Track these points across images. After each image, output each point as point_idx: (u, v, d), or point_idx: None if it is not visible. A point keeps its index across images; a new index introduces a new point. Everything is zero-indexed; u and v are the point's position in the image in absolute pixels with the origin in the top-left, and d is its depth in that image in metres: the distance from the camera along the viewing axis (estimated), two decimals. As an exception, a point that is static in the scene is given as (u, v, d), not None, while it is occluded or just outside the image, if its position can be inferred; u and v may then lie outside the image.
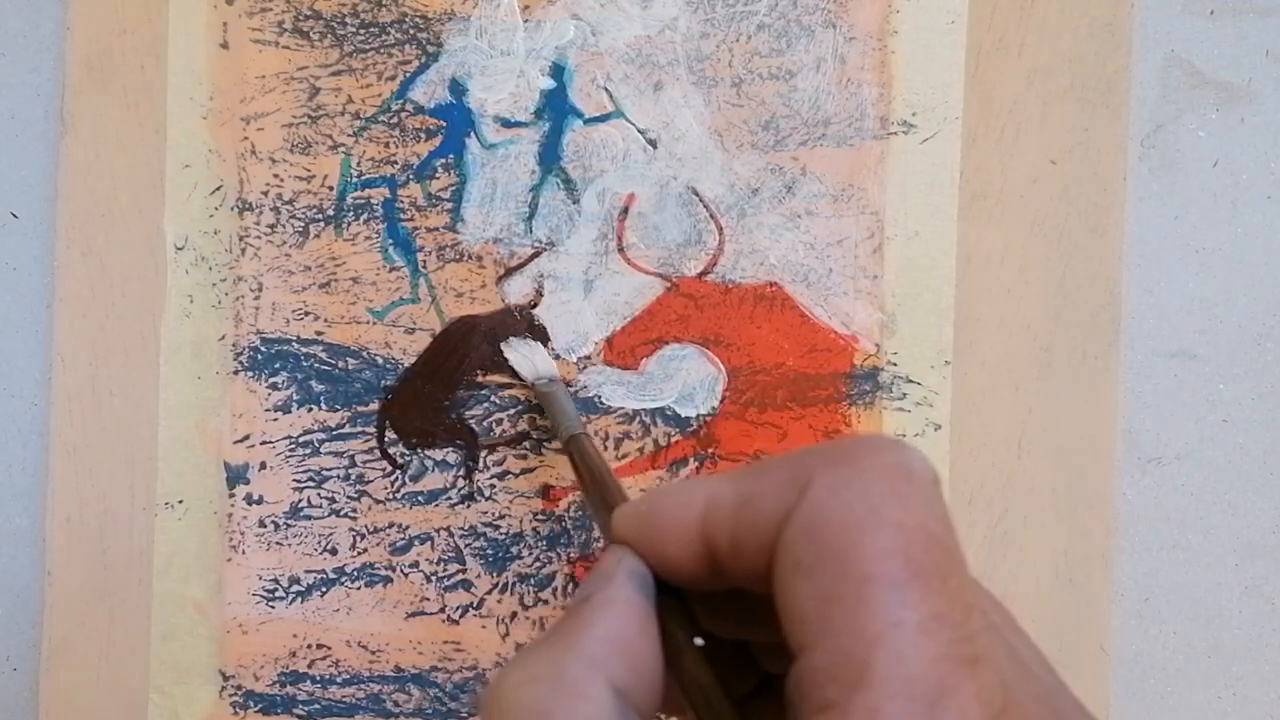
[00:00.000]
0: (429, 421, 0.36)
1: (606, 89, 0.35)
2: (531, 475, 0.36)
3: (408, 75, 0.35)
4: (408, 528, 0.36)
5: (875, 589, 0.15)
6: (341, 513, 0.36)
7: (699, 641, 0.19)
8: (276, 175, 0.35)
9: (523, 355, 0.35)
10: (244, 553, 0.35)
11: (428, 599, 0.36)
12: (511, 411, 0.36)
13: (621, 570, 0.19)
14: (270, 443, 0.36)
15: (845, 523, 0.16)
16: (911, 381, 0.35)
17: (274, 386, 0.36)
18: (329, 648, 0.36)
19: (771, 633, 0.20)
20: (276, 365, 0.36)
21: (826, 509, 0.17)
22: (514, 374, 0.35)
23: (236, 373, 0.35)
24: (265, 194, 0.35)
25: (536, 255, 0.36)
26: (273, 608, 0.36)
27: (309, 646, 0.36)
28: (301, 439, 0.36)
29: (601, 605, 0.18)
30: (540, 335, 0.35)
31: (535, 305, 0.35)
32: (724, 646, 0.21)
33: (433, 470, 0.36)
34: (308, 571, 0.36)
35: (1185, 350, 0.36)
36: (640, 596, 0.19)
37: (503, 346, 0.35)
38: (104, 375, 0.36)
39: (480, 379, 0.35)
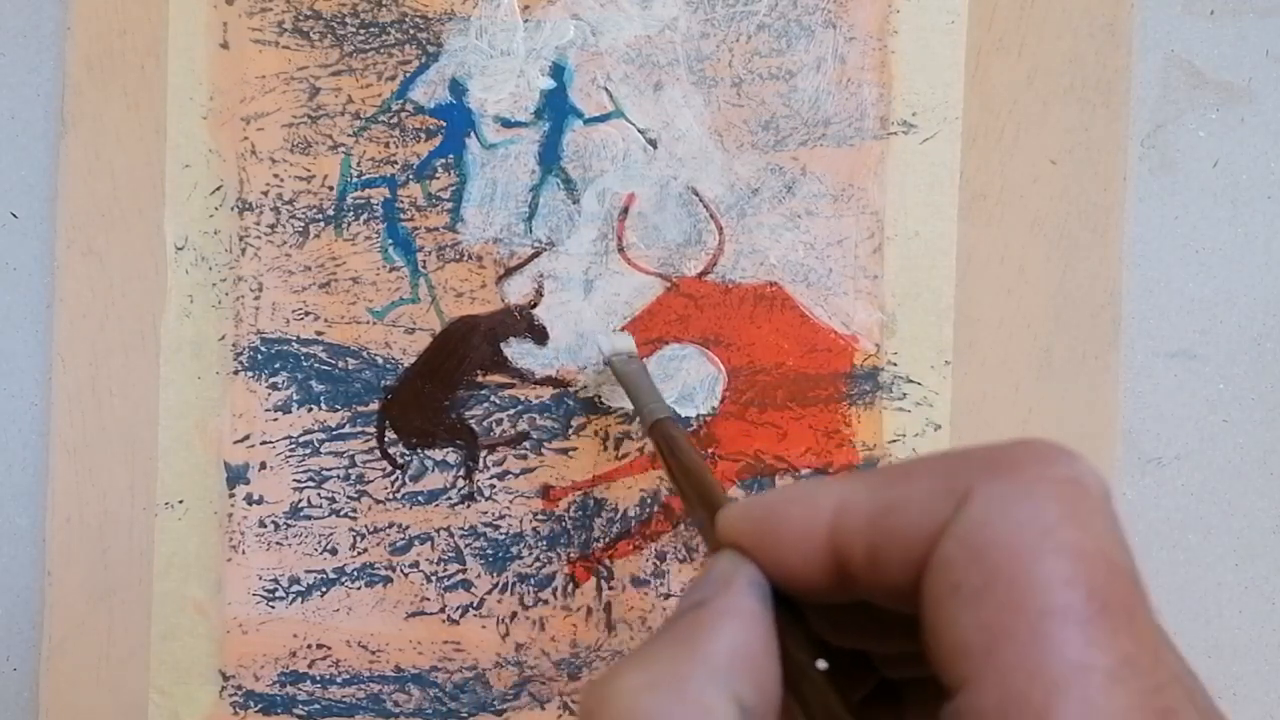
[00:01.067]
0: (429, 421, 0.36)
1: (606, 89, 0.35)
2: (531, 475, 0.36)
3: (408, 75, 0.35)
4: (408, 528, 0.36)
5: (1057, 625, 0.14)
6: (341, 513, 0.36)
7: (822, 665, 0.17)
8: (276, 175, 0.35)
9: (605, 334, 0.35)
10: (244, 553, 0.35)
11: (428, 599, 0.36)
12: (511, 411, 0.36)
13: (741, 577, 0.17)
14: (270, 443, 0.36)
15: (1016, 544, 0.14)
16: (911, 381, 0.35)
17: (274, 386, 0.36)
18: (329, 648, 0.36)
19: (898, 645, 0.18)
20: (276, 365, 0.36)
21: (993, 527, 0.15)
22: (523, 375, 0.35)
23: (236, 373, 0.35)
24: (265, 194, 0.35)
25: (536, 255, 0.36)
26: (273, 608, 0.36)
27: (309, 646, 0.36)
28: (301, 439, 0.36)
29: (724, 614, 0.17)
30: (540, 335, 0.35)
31: (535, 305, 0.35)
32: (840, 651, 0.19)
33: (433, 470, 0.36)
34: (308, 571, 0.36)
35: (1185, 350, 0.36)
36: (763, 608, 0.17)
37: (598, 338, 0.35)
38: (104, 375, 0.36)
39: (480, 379, 0.35)
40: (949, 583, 0.15)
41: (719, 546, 0.19)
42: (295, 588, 0.36)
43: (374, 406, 0.36)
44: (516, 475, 0.35)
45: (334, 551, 0.36)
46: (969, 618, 0.14)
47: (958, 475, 0.15)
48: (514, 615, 0.36)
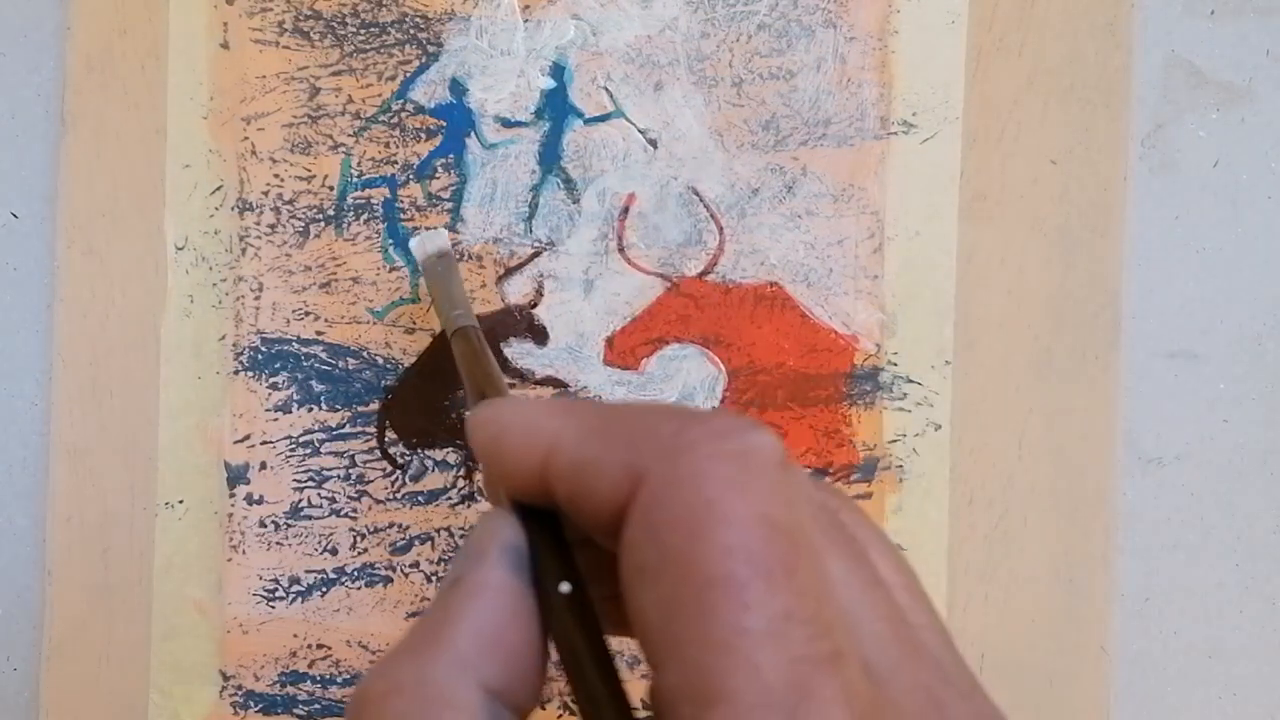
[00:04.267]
0: (429, 421, 0.36)
1: (607, 89, 0.35)
2: (532, 475, 0.35)
3: (408, 75, 0.35)
4: (408, 528, 0.36)
5: (718, 593, 0.14)
6: (342, 513, 0.36)
7: (565, 588, 0.17)
8: (277, 175, 0.35)
9: (419, 239, 0.34)
10: (244, 553, 0.35)
11: (428, 599, 0.36)
12: (512, 411, 0.35)
13: (494, 547, 0.17)
14: (270, 443, 0.36)
15: (684, 522, 0.15)
16: (912, 381, 0.35)
17: (274, 386, 0.36)
18: (329, 648, 0.36)
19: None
20: (277, 365, 0.36)
21: (664, 508, 0.15)
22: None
23: (237, 373, 0.35)
24: (265, 194, 0.35)
25: (536, 255, 0.36)
26: (273, 608, 0.36)
27: (309, 646, 0.36)
28: (302, 439, 0.36)
29: (470, 594, 0.17)
30: (540, 335, 0.35)
31: (535, 305, 0.35)
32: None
33: (433, 470, 0.36)
34: (308, 571, 0.36)
35: (1185, 350, 0.36)
36: (513, 576, 0.17)
37: (410, 241, 0.34)
38: (104, 375, 0.36)
39: (480, 379, 0.35)
40: (634, 565, 0.15)
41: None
42: (295, 588, 0.36)
43: (374, 406, 0.36)
44: (517, 475, 0.35)
45: (334, 551, 0.36)
46: (649, 597, 0.15)
47: (639, 451, 0.16)
48: (514, 615, 0.36)
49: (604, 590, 0.17)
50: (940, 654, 0.17)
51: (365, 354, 0.36)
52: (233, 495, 0.35)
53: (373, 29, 0.35)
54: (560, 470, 0.17)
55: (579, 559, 0.18)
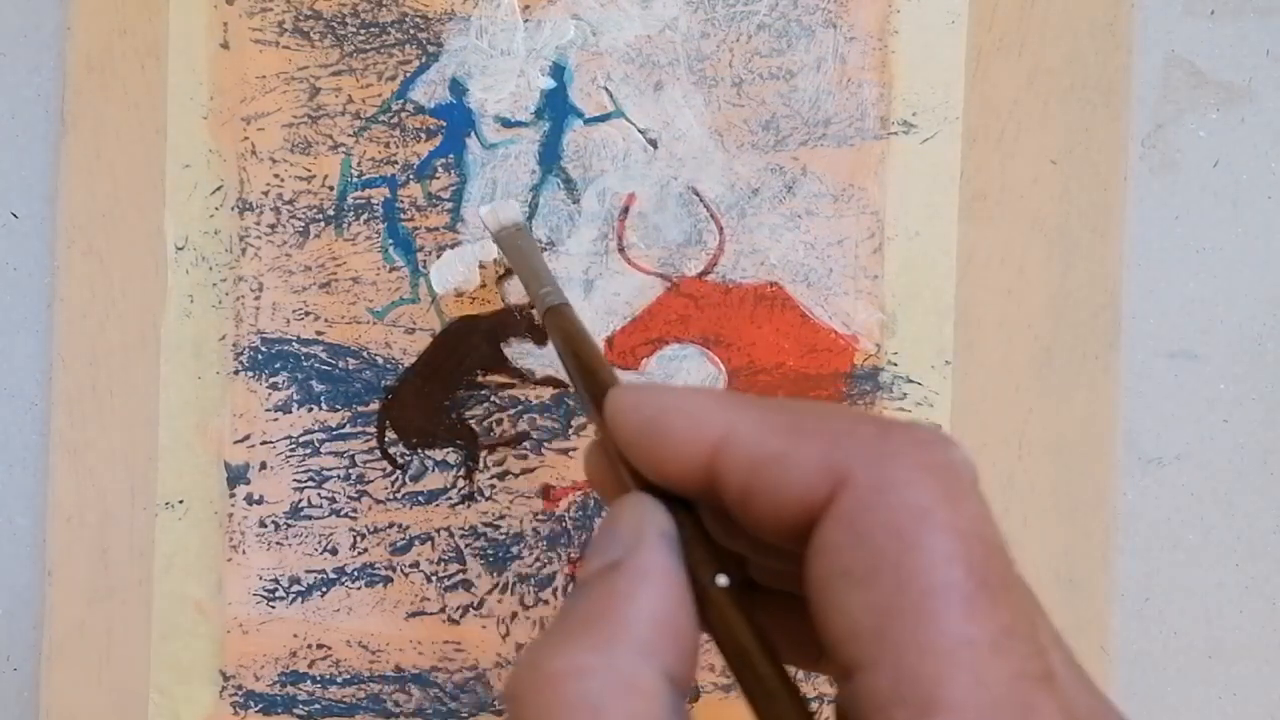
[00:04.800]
0: (429, 421, 0.36)
1: (607, 89, 0.35)
2: (531, 475, 0.36)
3: (408, 75, 0.35)
4: (408, 528, 0.36)
5: (941, 602, 0.14)
6: (342, 513, 0.36)
7: (723, 580, 0.17)
8: (277, 175, 0.35)
9: (491, 209, 0.32)
10: (244, 553, 0.35)
11: (428, 599, 0.36)
12: (511, 411, 0.36)
13: (651, 530, 0.17)
14: (270, 443, 0.36)
15: (898, 528, 0.15)
16: (912, 381, 0.35)
17: (274, 386, 0.36)
18: (329, 648, 0.36)
19: (773, 561, 0.19)
20: (277, 365, 0.36)
21: (875, 512, 0.15)
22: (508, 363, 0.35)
23: (237, 373, 0.35)
24: (265, 194, 0.35)
25: (537, 255, 0.35)
26: (273, 608, 0.36)
27: (309, 646, 0.36)
28: (302, 439, 0.36)
29: (638, 579, 0.17)
30: (540, 335, 0.35)
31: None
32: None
33: (433, 470, 0.36)
34: (308, 571, 0.36)
35: (1185, 350, 0.36)
36: (676, 563, 0.17)
37: (480, 210, 0.33)
38: (104, 375, 0.36)
39: (480, 379, 0.35)
40: (836, 568, 0.15)
41: (609, 437, 0.19)
42: (295, 588, 0.36)
43: (374, 406, 0.36)
44: (517, 475, 0.35)
45: (334, 551, 0.36)
46: (858, 601, 0.15)
47: (839, 453, 0.16)
48: (514, 615, 0.36)
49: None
50: (1100, 697, 0.17)
51: (365, 354, 0.36)
52: (233, 495, 0.35)
53: (373, 29, 0.35)
54: (736, 462, 0.17)
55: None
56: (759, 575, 0.20)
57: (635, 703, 0.15)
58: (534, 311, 0.29)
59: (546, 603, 0.36)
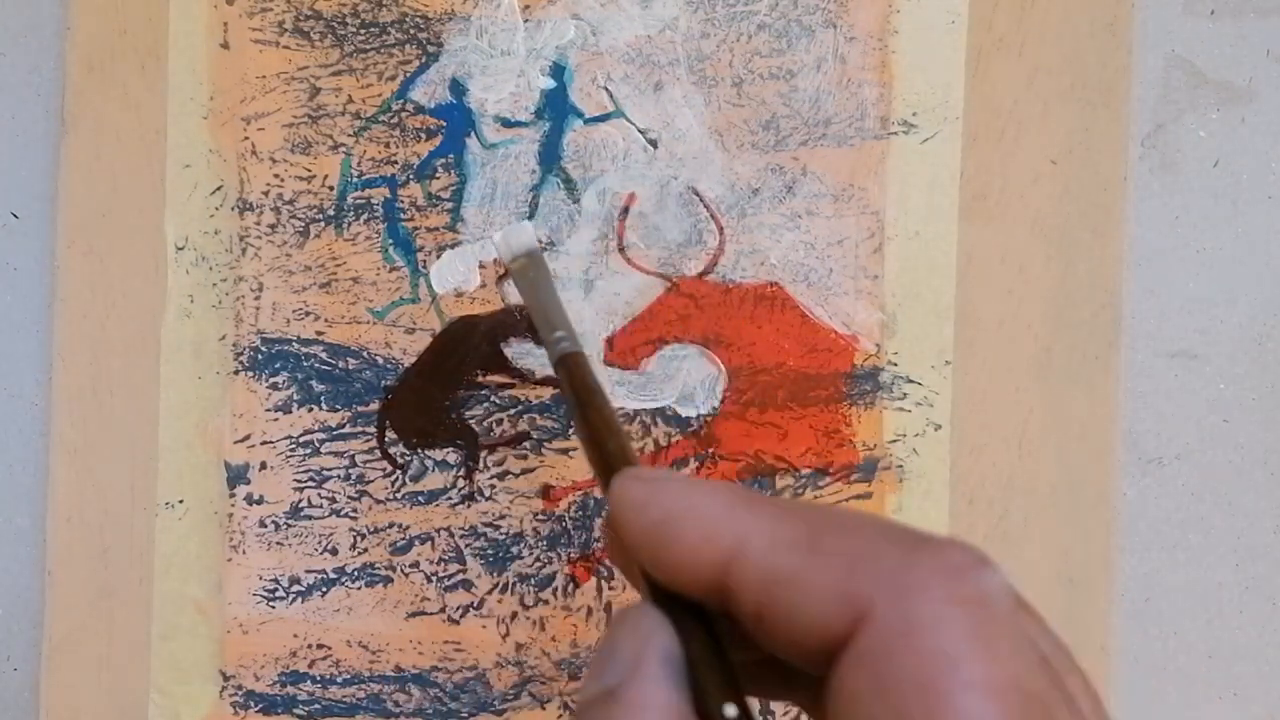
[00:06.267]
0: (429, 421, 0.36)
1: (607, 89, 0.35)
2: (531, 475, 0.35)
3: (408, 75, 0.35)
4: (408, 528, 0.36)
5: None
6: (342, 513, 0.36)
7: (731, 711, 0.16)
8: (277, 175, 0.35)
9: (503, 235, 0.29)
10: (244, 553, 0.35)
11: (428, 599, 0.36)
12: (511, 411, 0.35)
13: (653, 656, 0.16)
14: (271, 443, 0.36)
15: (924, 683, 0.14)
16: (912, 381, 0.35)
17: (274, 386, 0.36)
18: (329, 648, 0.36)
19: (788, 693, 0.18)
20: (277, 365, 0.36)
21: (896, 660, 0.14)
22: (513, 372, 0.35)
23: (237, 373, 0.35)
24: (266, 194, 0.35)
25: (537, 255, 0.35)
26: (273, 608, 0.36)
27: (309, 646, 0.36)
28: (302, 439, 0.36)
29: (638, 713, 0.16)
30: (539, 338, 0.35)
31: (535, 305, 0.35)
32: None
33: (433, 470, 0.36)
34: (308, 571, 0.36)
35: (1186, 350, 0.36)
36: (675, 693, 0.16)
37: (494, 237, 0.31)
38: (104, 375, 0.36)
39: (480, 379, 0.35)
40: (858, 715, 0.14)
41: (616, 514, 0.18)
42: (295, 588, 0.36)
43: (374, 406, 0.36)
44: (517, 475, 0.35)
45: (334, 551, 0.36)
46: None
47: (859, 581, 0.15)
48: (514, 615, 0.36)
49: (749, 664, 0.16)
50: None
51: (365, 354, 0.36)
52: (233, 495, 0.35)
53: (373, 29, 0.35)
54: (748, 581, 0.16)
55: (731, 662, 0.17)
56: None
57: None
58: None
59: (546, 602, 0.36)
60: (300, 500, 0.36)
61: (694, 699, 0.16)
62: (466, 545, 0.36)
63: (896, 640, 0.14)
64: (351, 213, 0.35)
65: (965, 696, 0.13)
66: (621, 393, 0.35)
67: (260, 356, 0.36)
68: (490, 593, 0.36)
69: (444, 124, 0.35)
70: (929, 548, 0.15)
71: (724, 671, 0.16)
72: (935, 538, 0.15)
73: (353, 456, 0.36)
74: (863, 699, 0.14)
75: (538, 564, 0.35)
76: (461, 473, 0.36)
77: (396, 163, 0.35)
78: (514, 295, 0.35)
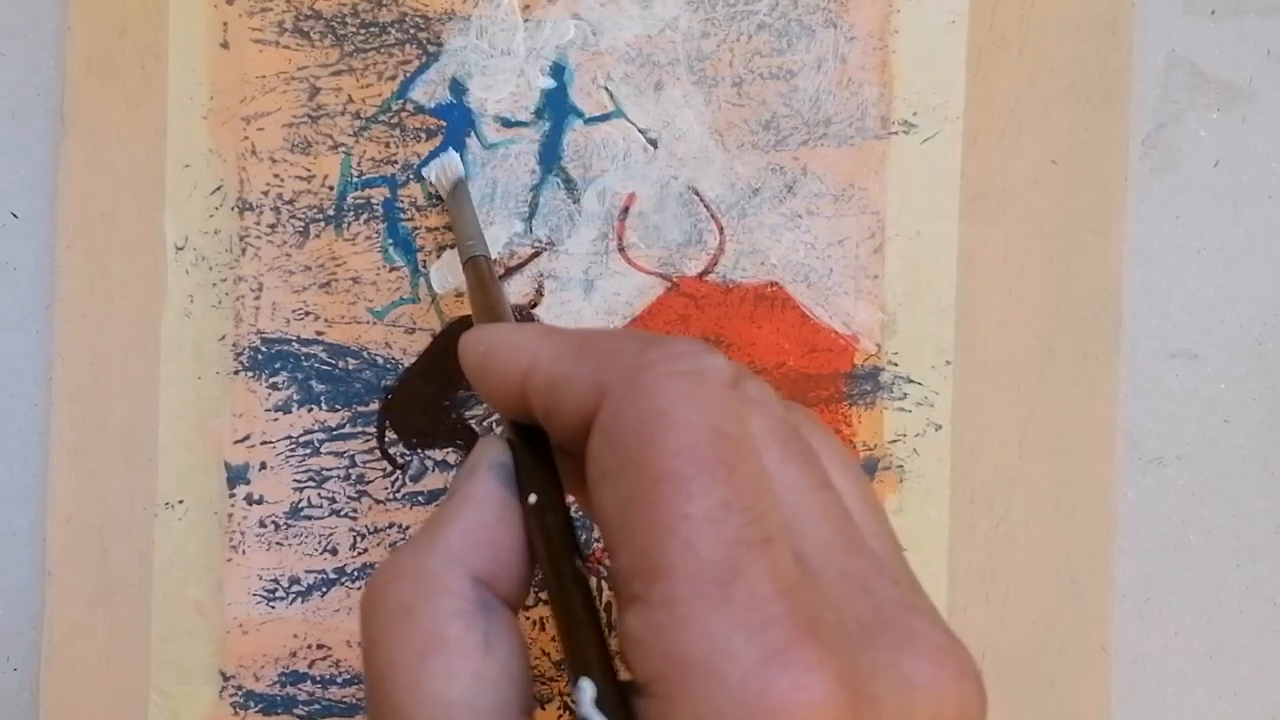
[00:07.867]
0: (429, 421, 0.36)
1: (607, 89, 0.35)
2: (532, 475, 0.35)
3: (408, 75, 0.35)
4: (408, 528, 0.36)
5: (664, 487, 0.16)
6: (342, 513, 0.36)
7: (532, 499, 0.19)
8: (277, 175, 0.35)
9: (436, 165, 0.35)
10: (244, 553, 0.35)
11: (428, 599, 0.36)
12: (512, 411, 0.35)
13: (484, 463, 0.20)
14: (270, 443, 0.36)
15: (638, 428, 0.17)
16: (912, 381, 0.35)
17: (274, 386, 0.36)
18: (329, 648, 0.36)
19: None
20: (277, 365, 0.36)
21: (621, 418, 0.17)
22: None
23: (237, 373, 0.35)
24: (265, 194, 0.35)
25: (536, 255, 0.36)
26: (273, 608, 0.36)
27: (309, 647, 0.36)
28: (302, 439, 0.36)
29: (462, 500, 0.19)
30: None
31: (535, 305, 0.35)
32: None
33: (433, 470, 0.36)
34: (308, 571, 0.36)
35: (1186, 350, 0.36)
36: (501, 487, 0.20)
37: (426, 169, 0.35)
38: (104, 375, 0.36)
39: (480, 379, 0.35)
40: (596, 472, 0.18)
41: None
42: (295, 588, 0.36)
43: (374, 406, 0.36)
44: (517, 475, 0.35)
45: (334, 551, 0.36)
46: (609, 496, 0.17)
47: (604, 369, 0.18)
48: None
49: (584, 496, 0.20)
50: (880, 552, 0.19)
51: (365, 354, 0.36)
52: (233, 495, 0.35)
53: (373, 29, 0.35)
54: (537, 386, 0.19)
55: (563, 470, 0.20)
56: None
57: (440, 599, 0.18)
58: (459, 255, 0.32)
59: (546, 602, 0.36)
60: (300, 500, 0.36)
61: (518, 499, 0.20)
62: (466, 545, 0.35)
63: (623, 404, 0.17)
64: (351, 213, 0.35)
65: (665, 434, 0.17)
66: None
67: (260, 356, 0.35)
68: (490, 593, 0.35)
69: (444, 124, 0.35)
70: (660, 341, 0.18)
71: (540, 473, 0.20)
72: (671, 337, 0.19)
73: (353, 456, 0.36)
74: (599, 454, 0.17)
75: (537, 564, 0.35)
76: (461, 473, 0.36)
77: (396, 162, 0.35)
78: (514, 295, 0.35)
